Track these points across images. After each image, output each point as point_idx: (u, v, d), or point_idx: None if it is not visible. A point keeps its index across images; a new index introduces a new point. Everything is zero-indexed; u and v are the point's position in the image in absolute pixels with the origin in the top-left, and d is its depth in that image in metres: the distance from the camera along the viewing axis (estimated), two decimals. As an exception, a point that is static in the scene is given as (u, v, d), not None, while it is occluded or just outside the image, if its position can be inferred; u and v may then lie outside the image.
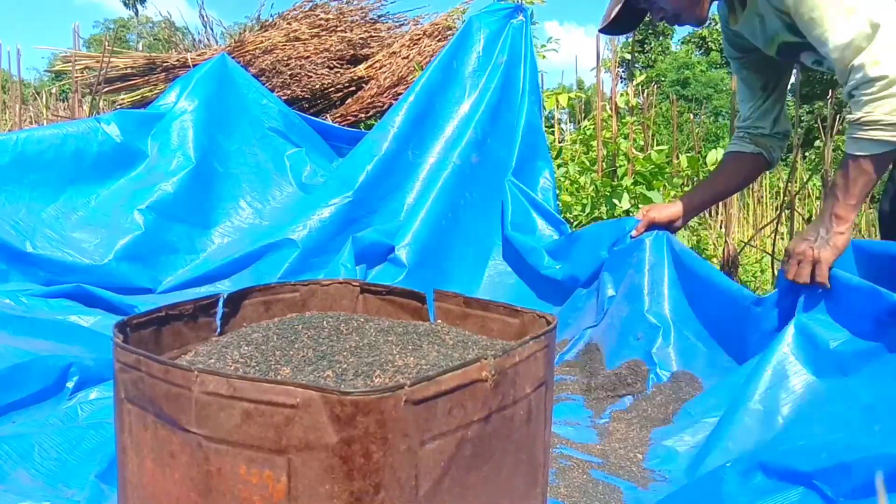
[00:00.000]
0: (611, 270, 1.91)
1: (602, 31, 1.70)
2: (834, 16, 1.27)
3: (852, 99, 1.31)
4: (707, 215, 4.08)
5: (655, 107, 4.20)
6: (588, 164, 3.23)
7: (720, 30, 1.87)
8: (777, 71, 1.76)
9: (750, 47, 1.72)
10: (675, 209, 1.88)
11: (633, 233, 1.89)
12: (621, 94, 3.27)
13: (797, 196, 2.72)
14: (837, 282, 1.36)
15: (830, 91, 3.93)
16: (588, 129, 3.57)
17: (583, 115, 4.97)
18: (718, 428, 1.29)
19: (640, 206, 2.44)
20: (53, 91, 6.27)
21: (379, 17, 4.13)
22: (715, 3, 1.62)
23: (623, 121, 3.20)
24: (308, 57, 3.67)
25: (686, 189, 3.50)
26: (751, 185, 4.05)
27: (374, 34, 3.98)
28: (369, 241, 2.25)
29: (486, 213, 2.49)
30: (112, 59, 3.51)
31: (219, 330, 0.99)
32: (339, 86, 3.70)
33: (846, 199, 1.35)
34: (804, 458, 0.95)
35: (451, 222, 2.38)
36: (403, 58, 3.73)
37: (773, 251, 2.47)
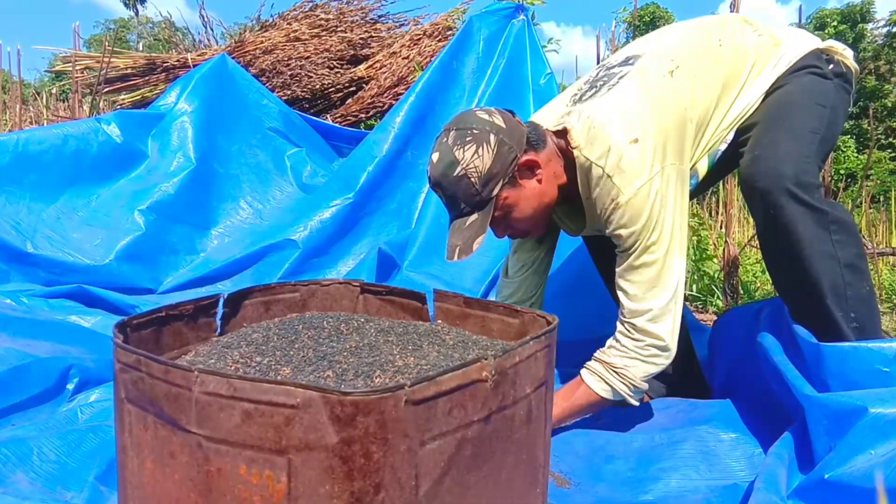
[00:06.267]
0: None
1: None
2: (655, 273, 1.19)
3: (621, 340, 1.23)
4: (707, 215, 4.08)
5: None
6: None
7: None
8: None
9: None
10: None
11: None
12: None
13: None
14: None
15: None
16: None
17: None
18: None
19: None
20: (54, 91, 6.28)
21: (379, 17, 4.13)
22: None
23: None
24: (308, 57, 3.67)
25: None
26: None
27: (374, 34, 3.98)
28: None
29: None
30: (112, 60, 3.51)
31: (219, 330, 0.99)
32: (339, 86, 3.70)
33: (557, 419, 1.25)
34: None
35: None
36: (403, 58, 3.73)
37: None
